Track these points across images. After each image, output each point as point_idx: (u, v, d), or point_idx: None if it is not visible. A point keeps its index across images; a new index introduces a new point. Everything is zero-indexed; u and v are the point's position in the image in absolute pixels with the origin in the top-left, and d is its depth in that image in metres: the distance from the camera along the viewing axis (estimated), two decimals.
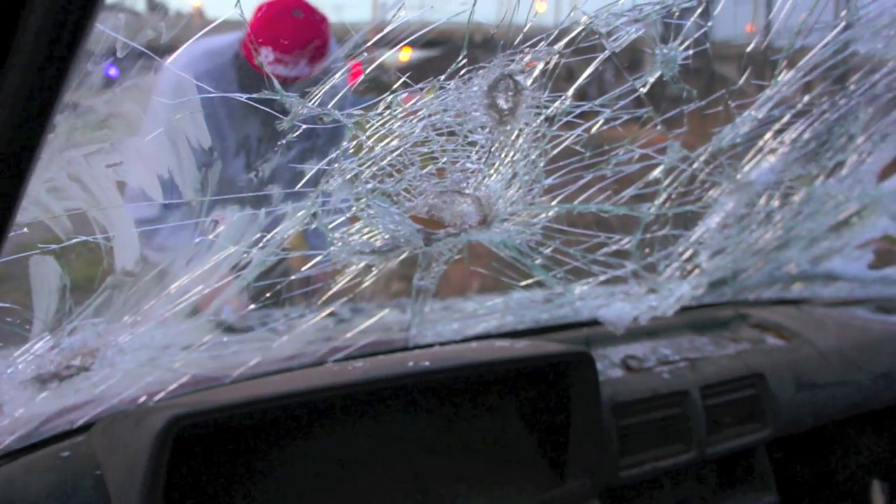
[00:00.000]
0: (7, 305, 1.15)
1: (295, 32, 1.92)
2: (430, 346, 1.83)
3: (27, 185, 0.72)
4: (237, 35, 2.18)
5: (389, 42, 1.24)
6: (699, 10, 1.33)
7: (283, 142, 1.19)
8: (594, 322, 2.00)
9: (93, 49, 0.95)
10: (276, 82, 1.12)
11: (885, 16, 1.59)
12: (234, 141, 2.17)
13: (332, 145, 1.28)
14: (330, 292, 1.60)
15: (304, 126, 1.19)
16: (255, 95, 1.12)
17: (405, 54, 1.38)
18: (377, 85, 1.30)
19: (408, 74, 1.24)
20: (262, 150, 2.15)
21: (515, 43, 1.26)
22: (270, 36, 1.94)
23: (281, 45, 1.99)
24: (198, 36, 1.17)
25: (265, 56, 2.00)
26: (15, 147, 0.66)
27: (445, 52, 1.27)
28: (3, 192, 0.69)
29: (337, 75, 1.19)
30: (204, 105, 1.14)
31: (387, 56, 1.28)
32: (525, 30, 1.25)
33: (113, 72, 1.15)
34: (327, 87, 1.18)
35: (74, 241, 1.12)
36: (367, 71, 1.30)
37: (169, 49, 1.06)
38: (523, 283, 1.75)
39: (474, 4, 1.15)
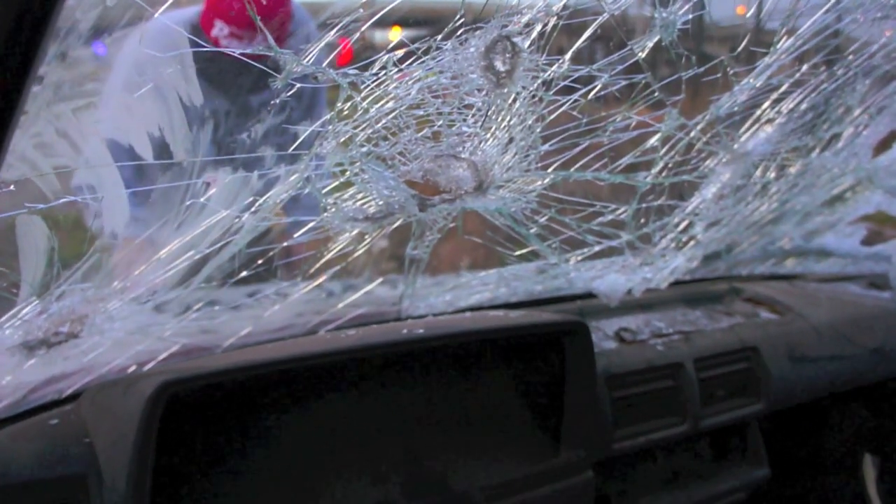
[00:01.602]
0: None
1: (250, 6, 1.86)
2: (423, 317, 1.82)
3: (11, 136, 0.69)
4: (198, 8, 2.10)
5: (378, 15, 1.21)
6: None
7: (276, 101, 1.16)
8: (588, 294, 1.99)
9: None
10: (269, 38, 1.10)
11: None
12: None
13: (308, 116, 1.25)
14: (322, 261, 1.58)
15: (277, 101, 1.16)
16: (248, 51, 1.10)
17: (395, 33, 1.36)
18: (370, 48, 1.28)
19: (397, 41, 1.22)
20: (229, 124, 2.11)
21: (513, 4, 1.24)
22: (225, 9, 1.90)
23: (234, 19, 1.94)
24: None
25: (219, 30, 1.97)
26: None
27: (435, 31, 1.25)
28: None
29: (331, 34, 1.16)
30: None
31: (377, 35, 1.26)
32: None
33: (101, 50, 1.13)
34: (321, 44, 1.15)
35: (62, 200, 1.09)
36: (352, 41, 1.27)
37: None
38: (518, 252, 1.73)
39: None
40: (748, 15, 1.63)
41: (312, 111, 1.62)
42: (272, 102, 1.18)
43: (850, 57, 1.74)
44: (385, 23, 1.24)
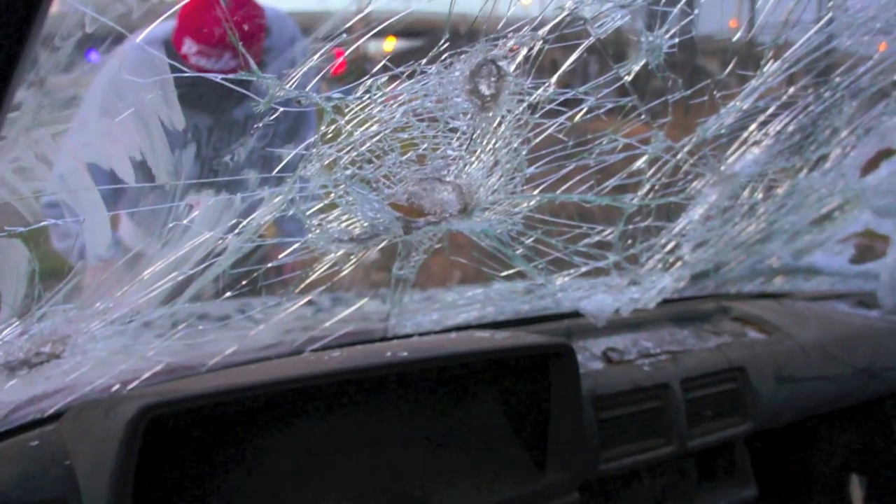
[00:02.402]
0: None
1: (218, 23, 1.82)
2: (409, 336, 1.81)
3: None
4: (172, 24, 2.09)
5: (371, 27, 1.21)
6: None
7: (259, 125, 1.16)
8: (575, 314, 1.99)
9: (59, 27, 0.92)
10: (252, 63, 1.09)
11: (871, 9, 1.58)
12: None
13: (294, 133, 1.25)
14: (308, 280, 1.58)
15: (260, 124, 1.16)
16: (230, 76, 1.10)
17: (389, 44, 1.36)
18: (359, 71, 1.28)
19: (387, 58, 1.22)
20: (213, 141, 2.10)
21: (499, 28, 1.24)
22: (194, 26, 1.90)
23: (202, 36, 1.95)
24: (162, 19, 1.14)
25: (188, 47, 1.96)
26: None
27: (429, 41, 1.25)
28: None
29: (315, 57, 1.16)
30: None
31: (371, 45, 1.26)
32: (508, 14, 1.23)
33: (94, 57, 1.12)
34: (305, 68, 1.15)
35: (43, 223, 1.09)
36: (349, 52, 1.27)
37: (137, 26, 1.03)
38: (504, 273, 1.73)
39: None
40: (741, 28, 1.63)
41: (299, 129, 1.61)
42: (255, 126, 1.18)
43: (837, 79, 1.75)
44: (380, 33, 1.24)
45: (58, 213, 1.13)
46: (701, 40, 1.64)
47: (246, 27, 1.92)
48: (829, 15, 1.52)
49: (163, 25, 2.02)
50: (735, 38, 1.54)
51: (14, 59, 0.60)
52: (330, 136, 1.25)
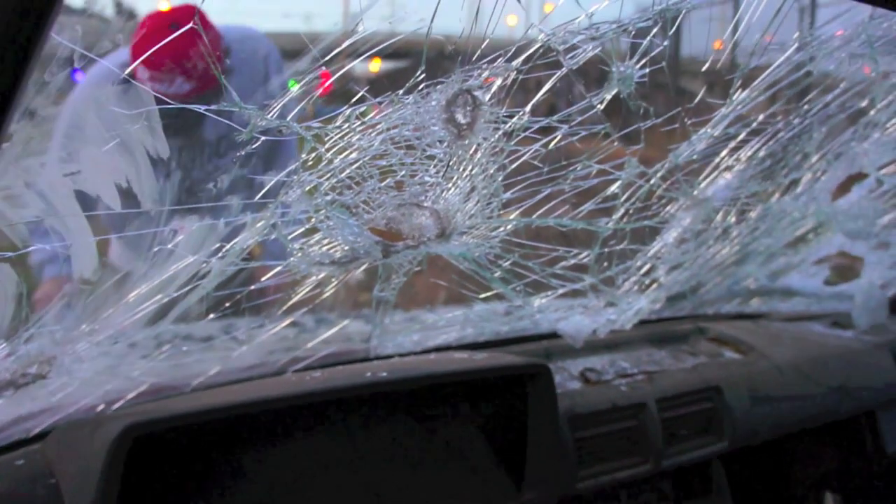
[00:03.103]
0: None
1: (168, 48, 1.76)
2: (391, 356, 1.84)
3: None
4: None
5: (358, 51, 1.25)
6: (654, 30, 1.36)
7: (242, 153, 1.20)
8: (554, 335, 2.02)
9: (49, 60, 0.95)
10: (234, 94, 1.13)
11: (838, 38, 1.63)
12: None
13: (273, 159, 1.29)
14: (290, 302, 1.61)
15: (243, 151, 1.20)
16: (213, 107, 1.13)
17: (375, 65, 1.40)
18: (345, 94, 1.32)
19: (367, 89, 1.26)
20: (183, 161, 2.12)
21: (473, 59, 1.28)
22: (144, 51, 1.85)
23: (151, 62, 1.97)
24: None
25: (141, 73, 1.99)
26: None
27: (414, 63, 1.29)
28: None
29: (303, 81, 1.20)
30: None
31: (357, 66, 1.30)
32: (484, 46, 1.27)
33: (80, 76, 1.16)
34: (285, 100, 1.19)
35: (31, 248, 1.12)
36: (336, 76, 1.32)
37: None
38: (483, 295, 1.77)
39: (432, 21, 1.17)
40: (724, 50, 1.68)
41: (279, 150, 1.64)
42: (237, 154, 1.21)
43: (806, 106, 1.80)
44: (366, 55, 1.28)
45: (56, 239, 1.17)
46: (685, 62, 1.69)
47: (194, 57, 1.95)
48: (795, 45, 1.57)
49: (121, 50, 2.07)
50: (708, 65, 1.58)
51: (15, 89, 0.64)
52: (311, 163, 1.29)
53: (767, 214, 2.08)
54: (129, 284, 1.32)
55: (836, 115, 1.88)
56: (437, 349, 1.95)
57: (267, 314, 1.68)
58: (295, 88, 1.24)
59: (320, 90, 1.32)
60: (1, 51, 0.61)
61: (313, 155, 1.26)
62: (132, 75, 2.02)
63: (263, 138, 1.19)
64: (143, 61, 1.85)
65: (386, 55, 1.28)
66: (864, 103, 1.91)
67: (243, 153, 1.20)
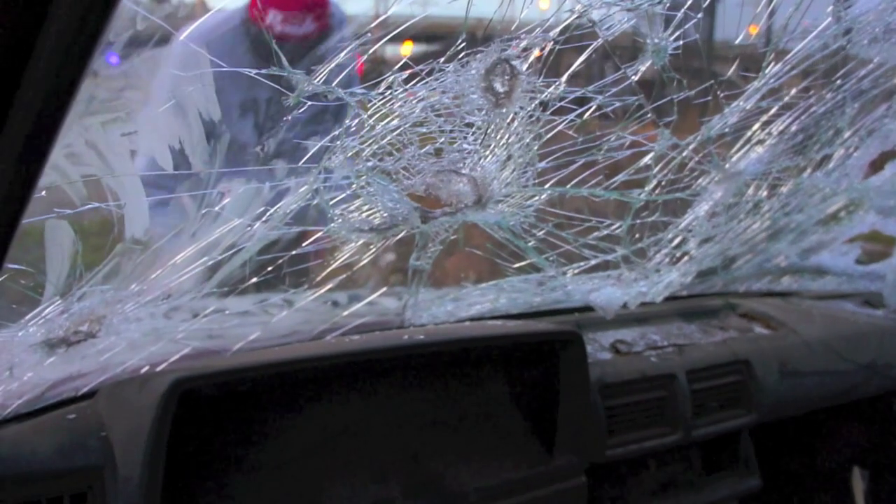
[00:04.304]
0: (22, 268, 1.20)
1: None
2: (424, 325, 1.88)
3: (53, 147, 0.77)
4: (244, 2, 2.33)
5: (390, 32, 1.29)
6: (689, 2, 1.38)
7: (288, 118, 1.24)
8: (586, 307, 2.05)
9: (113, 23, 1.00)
10: (283, 58, 1.17)
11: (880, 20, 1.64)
12: (240, 104, 2.29)
13: (336, 123, 1.33)
14: (328, 269, 1.65)
15: (310, 103, 1.24)
16: (263, 71, 1.17)
17: (407, 48, 1.43)
18: (376, 73, 1.35)
19: (402, 63, 1.30)
20: (270, 111, 2.26)
21: (512, 29, 1.31)
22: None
23: (285, 4, 2.14)
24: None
25: (273, 18, 2.13)
26: (49, 108, 0.72)
27: (445, 46, 1.32)
28: (37, 152, 0.75)
29: (342, 54, 1.24)
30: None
31: (388, 49, 1.34)
32: (521, 17, 1.30)
33: (114, 59, 1.20)
34: (332, 65, 1.23)
35: (88, 206, 1.17)
36: (367, 54, 1.36)
37: (182, 24, 1.11)
38: (517, 265, 1.80)
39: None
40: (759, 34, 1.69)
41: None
42: (284, 118, 1.25)
43: (839, 81, 1.81)
44: (398, 38, 1.32)
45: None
46: (718, 46, 1.70)
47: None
48: (828, 20, 1.58)
49: (227, 12, 2.25)
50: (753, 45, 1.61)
51: (88, 51, 0.68)
52: (353, 129, 1.33)
53: (799, 190, 2.09)
54: (177, 246, 1.36)
55: (869, 90, 1.89)
56: (471, 319, 1.98)
57: (305, 281, 1.72)
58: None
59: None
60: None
61: (356, 121, 1.30)
62: (255, 24, 2.21)
63: (309, 103, 1.23)
64: (275, 5, 2.04)
65: (418, 38, 1.31)
66: None
67: (289, 118, 1.24)
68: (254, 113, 2.31)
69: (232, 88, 2.19)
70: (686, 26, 1.41)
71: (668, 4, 1.37)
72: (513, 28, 1.33)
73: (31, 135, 0.75)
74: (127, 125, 1.12)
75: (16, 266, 1.19)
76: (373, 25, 1.31)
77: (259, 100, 2.31)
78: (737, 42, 1.57)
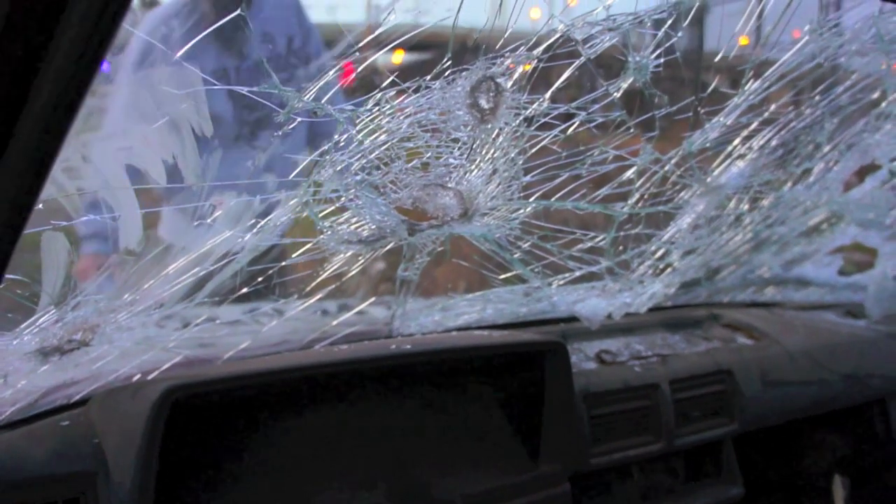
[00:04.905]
0: (18, 278, 1.23)
1: None
2: (412, 335, 1.92)
3: (54, 162, 0.81)
4: None
5: (381, 43, 1.32)
6: (669, 22, 1.42)
7: (279, 133, 1.27)
8: (571, 318, 2.09)
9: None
10: (274, 77, 1.21)
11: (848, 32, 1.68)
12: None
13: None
14: (318, 280, 1.68)
15: (299, 119, 1.27)
16: (255, 89, 1.21)
17: (397, 56, 1.46)
18: (367, 84, 1.39)
19: (396, 74, 1.33)
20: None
21: (497, 47, 1.35)
22: None
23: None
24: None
25: None
26: (53, 125, 0.75)
27: (436, 55, 1.36)
28: (39, 166, 0.78)
29: (330, 73, 1.27)
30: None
31: (379, 58, 1.37)
32: (506, 35, 1.34)
33: (105, 67, 1.24)
34: (321, 83, 1.26)
35: (83, 218, 1.20)
36: (359, 70, 1.39)
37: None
38: (503, 276, 1.83)
39: (458, 10, 1.23)
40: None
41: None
42: (276, 133, 1.29)
43: (818, 97, 1.85)
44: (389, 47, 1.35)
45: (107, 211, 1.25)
46: (707, 56, 1.74)
47: None
48: (806, 38, 1.62)
49: None
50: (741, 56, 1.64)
51: (92, 69, 0.72)
52: (342, 144, 1.36)
53: (780, 203, 2.13)
54: (170, 257, 1.39)
55: (847, 106, 1.93)
56: (458, 329, 2.02)
57: (294, 291, 1.75)
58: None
59: (343, 81, 1.40)
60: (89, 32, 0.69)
61: (345, 136, 1.34)
62: None
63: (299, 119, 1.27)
64: None
65: (409, 47, 1.34)
66: (875, 95, 1.96)
67: (280, 133, 1.27)
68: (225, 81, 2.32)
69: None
70: (667, 44, 1.45)
71: (648, 24, 1.41)
72: (501, 41, 1.36)
73: (37, 149, 0.79)
74: (122, 140, 1.15)
75: (12, 276, 1.21)
76: (365, 42, 1.34)
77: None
78: (730, 55, 1.62)
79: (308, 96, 1.25)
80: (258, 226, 1.42)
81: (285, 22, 2.49)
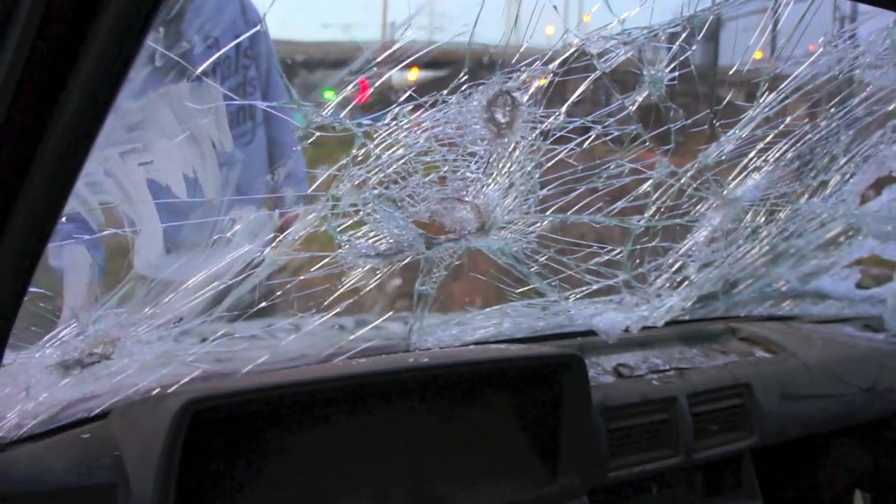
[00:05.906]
0: (41, 291, 1.24)
1: None
2: (430, 349, 1.92)
3: (79, 176, 0.82)
4: None
5: (397, 60, 1.34)
6: (684, 35, 1.43)
7: (298, 147, 1.29)
8: (588, 332, 2.09)
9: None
10: (293, 92, 1.22)
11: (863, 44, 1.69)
12: None
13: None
14: (335, 294, 1.69)
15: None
16: (274, 104, 1.23)
17: (413, 73, 1.48)
18: (384, 99, 1.40)
19: (412, 89, 1.35)
20: None
21: (513, 62, 1.36)
22: None
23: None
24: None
25: None
26: (79, 138, 0.77)
27: (451, 72, 1.37)
28: (65, 180, 0.80)
29: (349, 88, 1.29)
30: None
31: (395, 75, 1.38)
32: (522, 50, 1.35)
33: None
34: (339, 98, 1.28)
35: (106, 232, 1.22)
36: (375, 85, 1.40)
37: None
38: (520, 290, 1.84)
39: (475, 26, 1.25)
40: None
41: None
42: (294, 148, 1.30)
43: (833, 109, 1.85)
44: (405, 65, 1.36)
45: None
46: (722, 71, 1.74)
47: None
48: (820, 50, 1.63)
49: None
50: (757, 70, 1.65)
51: (117, 86, 0.73)
52: (360, 158, 1.37)
53: (797, 215, 2.13)
54: (189, 271, 1.41)
55: (863, 118, 1.93)
56: (475, 343, 2.02)
57: (312, 305, 1.76)
58: (333, 98, 1.33)
59: (360, 100, 1.41)
60: (116, 47, 0.70)
61: (363, 151, 1.35)
62: None
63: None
64: None
65: (424, 64, 1.36)
66: (891, 107, 1.96)
67: (298, 147, 1.29)
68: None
69: None
70: (682, 58, 1.46)
71: (663, 38, 1.42)
72: (517, 55, 1.38)
73: (62, 161, 0.80)
74: (144, 155, 1.17)
75: (35, 289, 1.23)
76: (380, 59, 1.36)
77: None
78: (745, 68, 1.62)
79: (327, 111, 1.27)
80: (277, 240, 1.43)
81: (231, 23, 2.36)
